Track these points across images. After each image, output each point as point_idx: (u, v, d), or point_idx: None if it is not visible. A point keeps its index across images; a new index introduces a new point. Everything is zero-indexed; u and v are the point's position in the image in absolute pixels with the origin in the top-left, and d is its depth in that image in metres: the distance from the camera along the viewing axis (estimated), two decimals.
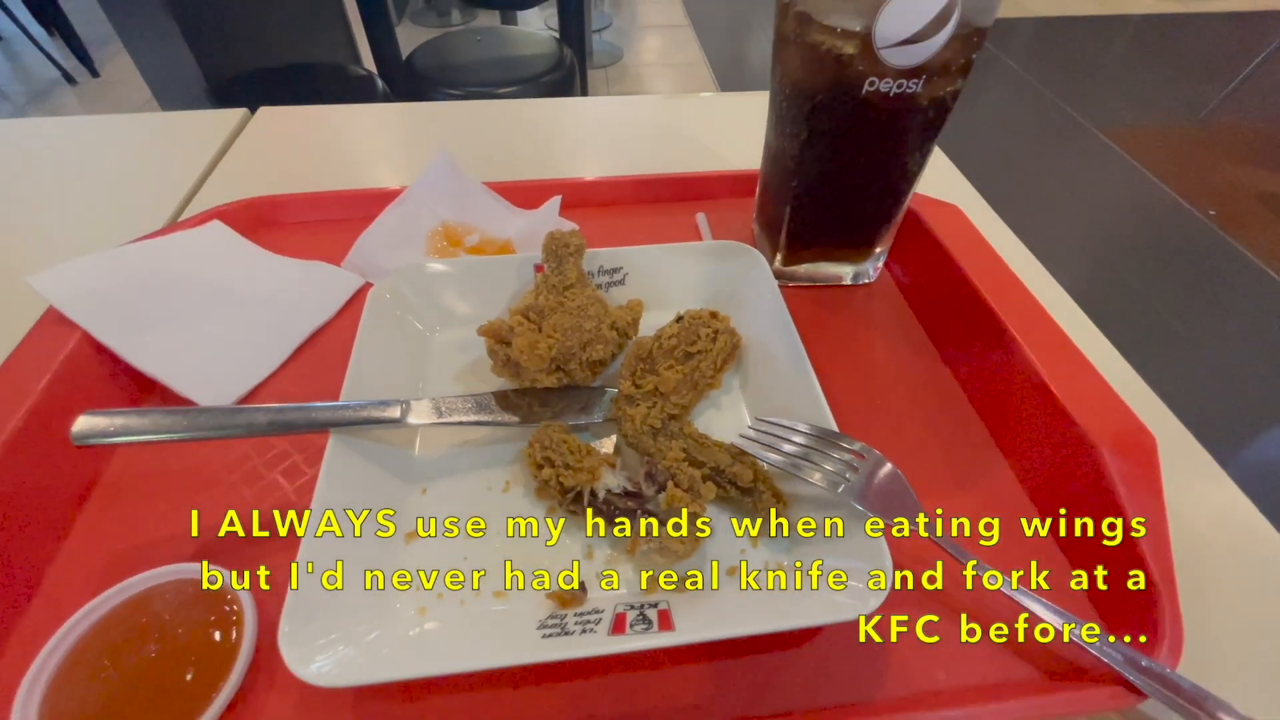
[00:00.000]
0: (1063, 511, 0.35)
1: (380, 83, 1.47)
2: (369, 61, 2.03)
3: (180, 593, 0.31)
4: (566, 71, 1.57)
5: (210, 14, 1.72)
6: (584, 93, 1.83)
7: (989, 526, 0.36)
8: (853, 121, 0.39)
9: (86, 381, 0.38)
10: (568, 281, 0.39)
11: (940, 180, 0.62)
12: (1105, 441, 0.34)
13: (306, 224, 0.54)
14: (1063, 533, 0.35)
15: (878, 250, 0.48)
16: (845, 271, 0.50)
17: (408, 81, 1.53)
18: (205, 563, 0.32)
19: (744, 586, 0.32)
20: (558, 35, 1.78)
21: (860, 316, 0.48)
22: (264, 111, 0.70)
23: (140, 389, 0.41)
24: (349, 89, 1.45)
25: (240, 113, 0.70)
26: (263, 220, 0.53)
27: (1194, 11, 3.82)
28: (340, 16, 2.19)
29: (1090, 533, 0.33)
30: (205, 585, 0.31)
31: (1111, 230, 2.33)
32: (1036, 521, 0.36)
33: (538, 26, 3.09)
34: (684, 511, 0.31)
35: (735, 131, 0.70)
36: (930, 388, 0.43)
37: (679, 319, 0.41)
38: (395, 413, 0.35)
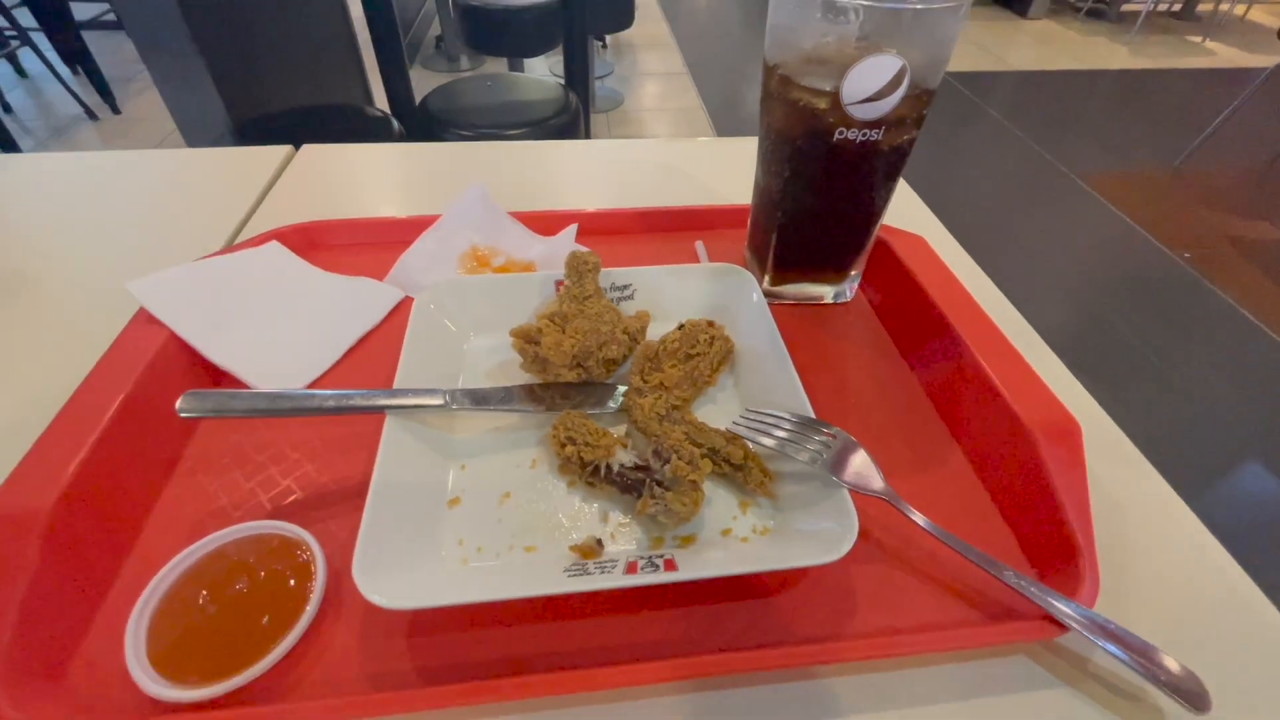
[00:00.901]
0: (1003, 484, 0.42)
1: (395, 123, 1.57)
2: (382, 103, 2.14)
3: (261, 544, 0.37)
4: (572, 116, 1.68)
5: (237, 56, 1.84)
6: (588, 136, 1.94)
7: (944, 496, 0.42)
8: (826, 163, 0.46)
9: (172, 371, 0.45)
10: (587, 293, 0.46)
11: (909, 214, 0.71)
12: (1038, 426, 0.40)
13: (351, 246, 0.61)
14: (1003, 501, 0.41)
15: (852, 273, 0.56)
16: (826, 291, 0.57)
17: (422, 122, 1.63)
18: (281, 521, 0.38)
19: (740, 541, 0.38)
20: (563, 81, 1.89)
21: (838, 329, 0.55)
22: (306, 148, 0.78)
23: (213, 380, 0.47)
24: (366, 129, 1.54)
25: (285, 149, 0.78)
26: (313, 242, 0.60)
27: (1167, 67, 4.04)
28: (356, 61, 2.33)
29: (1026, 502, 0.40)
30: (281, 538, 0.37)
31: (1092, 272, 2.44)
32: (982, 492, 0.42)
33: (543, 73, 3.25)
34: (686, 480, 0.37)
35: (728, 171, 0.78)
36: (896, 386, 0.50)
37: (681, 327, 0.48)
38: (440, 400, 0.42)
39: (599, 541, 0.37)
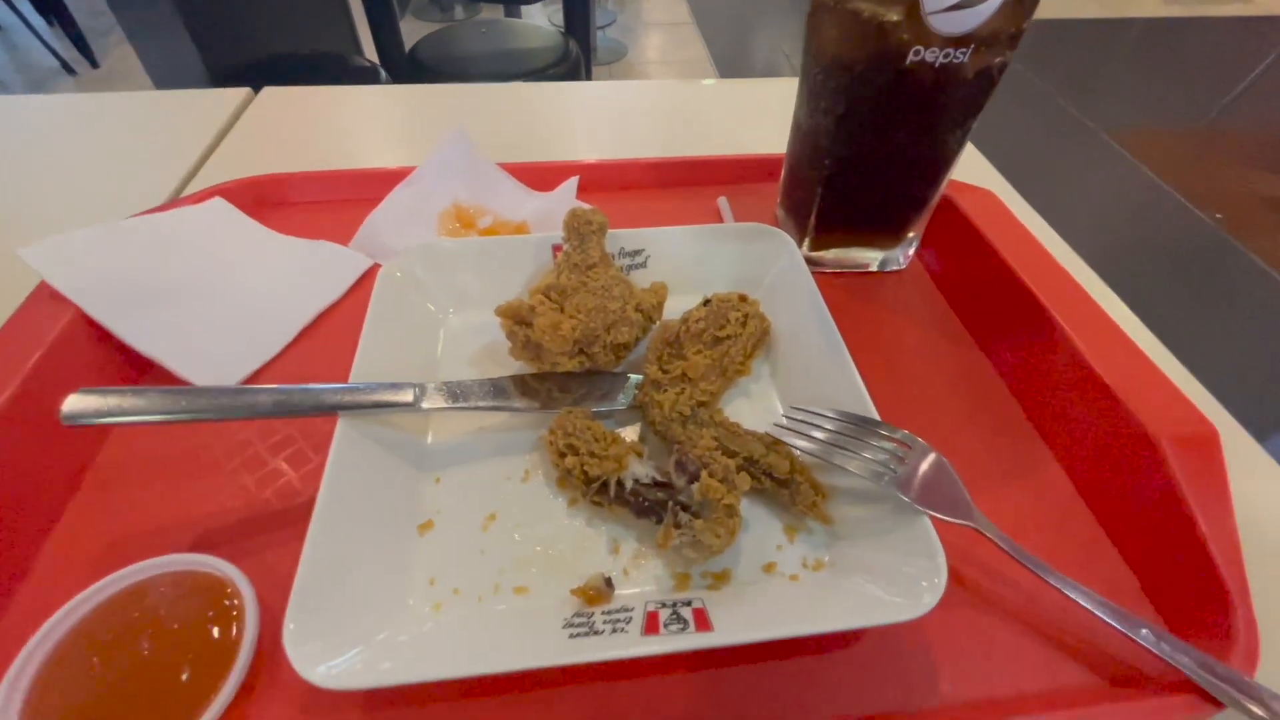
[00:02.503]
0: (1118, 507, 0.33)
1: (383, 73, 1.45)
2: (371, 54, 2.01)
3: (177, 585, 0.29)
4: (572, 65, 1.55)
5: (214, 4, 1.70)
6: None
7: (1038, 522, 0.34)
8: (893, 96, 0.37)
9: (79, 362, 0.36)
10: (590, 260, 0.37)
11: (966, 166, 0.60)
12: (1165, 435, 0.31)
13: (312, 204, 0.52)
14: (1117, 529, 0.33)
15: (910, 235, 0.46)
16: (874, 257, 0.48)
17: (411, 73, 1.51)
18: (204, 555, 0.29)
19: (788, 579, 0.30)
20: (563, 30, 1.75)
21: (891, 304, 0.46)
22: (267, 91, 0.68)
23: (137, 370, 0.39)
24: (352, 79, 1.43)
25: (243, 92, 0.68)
26: (266, 199, 0.51)
27: (1198, 15, 3.81)
28: (343, 8, 2.18)
29: (1151, 531, 0.31)
30: (203, 576, 0.29)
31: (1118, 233, 2.32)
32: (1088, 516, 0.34)
33: (541, 22, 3.07)
34: (719, 504, 0.29)
35: (751, 118, 0.68)
36: (968, 377, 0.41)
37: (706, 302, 0.39)
38: (408, 396, 0.33)
39: (608, 581, 0.29)
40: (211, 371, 0.38)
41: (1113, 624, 0.27)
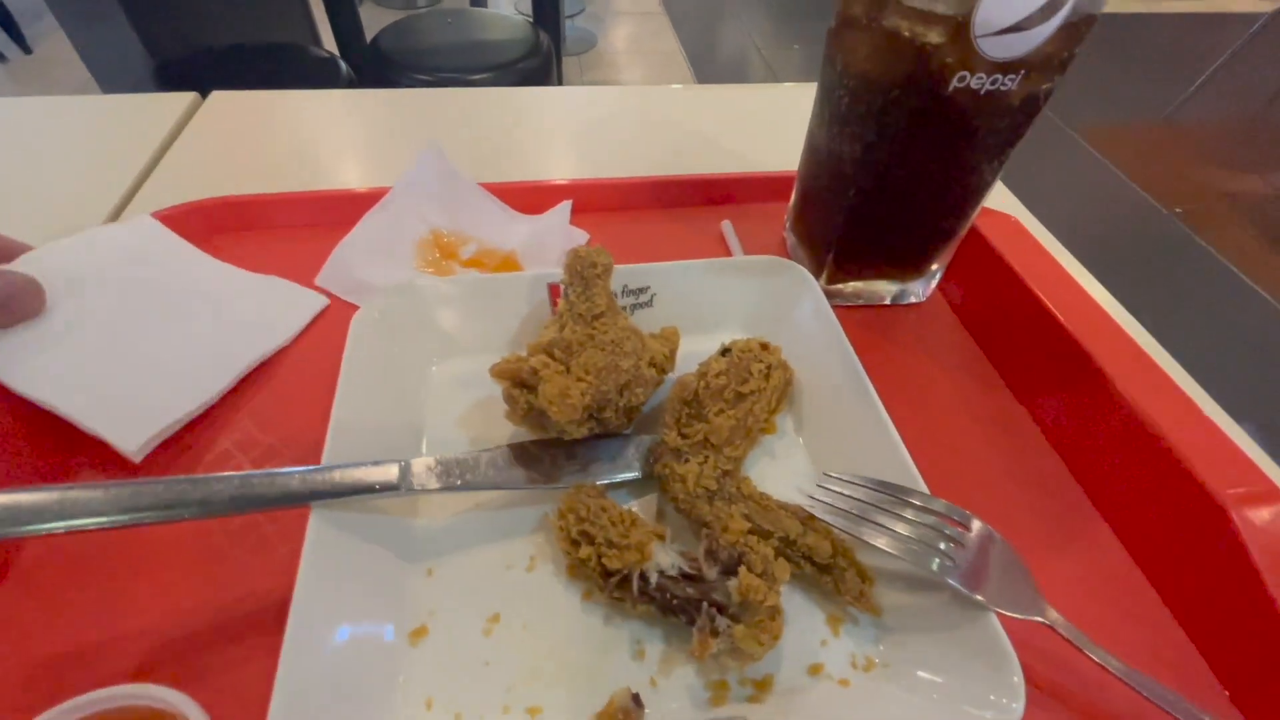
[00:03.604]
0: (1180, 580, 0.30)
1: (344, 65, 1.37)
2: (329, 43, 1.90)
3: None
4: (543, 59, 1.49)
5: None
6: (559, 80, 1.74)
7: (1093, 596, 0.31)
8: (931, 123, 0.33)
9: None
10: (597, 309, 0.33)
11: None
12: (1233, 503, 0.29)
13: (270, 230, 0.46)
14: (1180, 604, 0.30)
15: (934, 267, 0.43)
16: (891, 290, 0.44)
17: (373, 65, 1.43)
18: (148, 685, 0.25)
19: (837, 684, 0.26)
20: (531, 20, 1.69)
21: (913, 342, 0.43)
22: (216, 96, 0.62)
23: (32, 429, 0.32)
24: (310, 72, 1.34)
25: (189, 97, 0.61)
26: (219, 224, 0.45)
27: (1153, 11, 3.90)
28: None
29: (1218, 605, 0.29)
30: (148, 713, 0.24)
31: (1082, 225, 2.36)
32: (1147, 588, 0.31)
33: (507, 10, 2.98)
34: (762, 605, 0.25)
35: (748, 127, 0.64)
36: (1004, 428, 0.38)
37: (725, 351, 0.35)
38: (393, 475, 0.29)
39: (635, 699, 0.25)
40: (127, 421, 0.32)
41: None
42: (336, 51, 1.70)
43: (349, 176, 0.55)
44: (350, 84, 1.33)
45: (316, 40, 2.15)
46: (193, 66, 1.32)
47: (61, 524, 0.24)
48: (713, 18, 3.50)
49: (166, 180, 0.52)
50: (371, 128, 0.61)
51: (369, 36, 1.54)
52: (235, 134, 0.58)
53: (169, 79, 1.27)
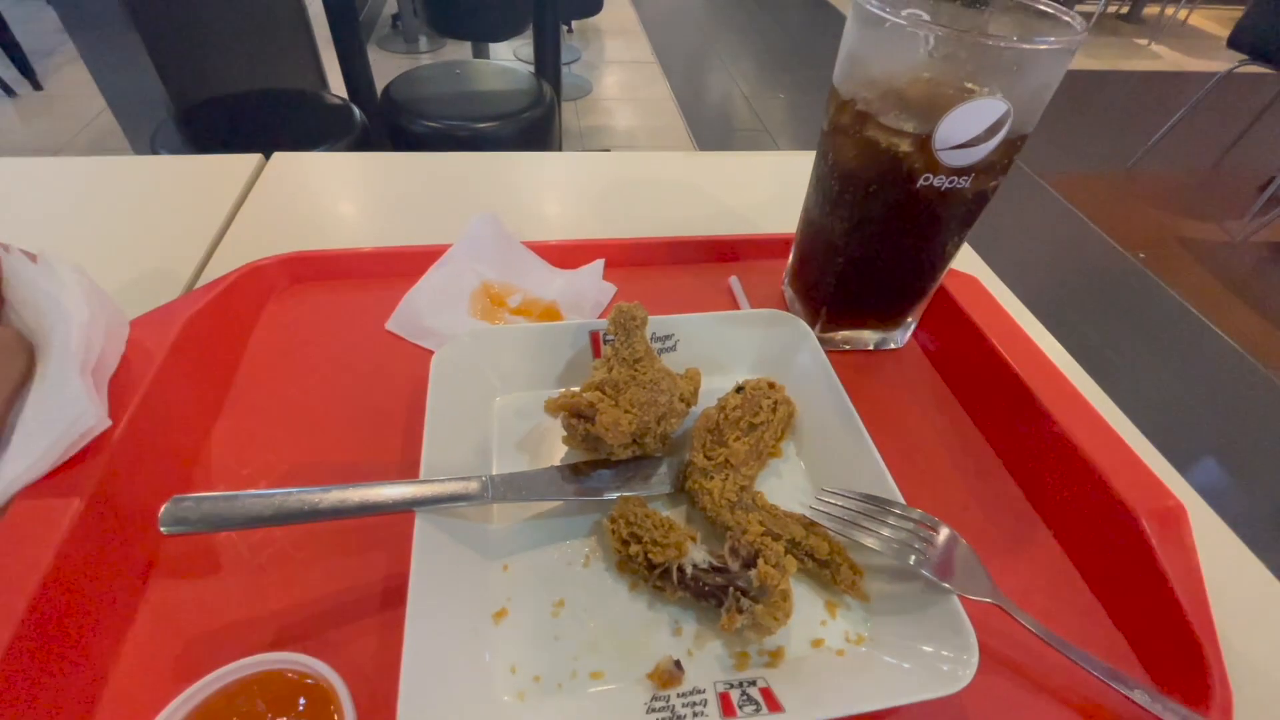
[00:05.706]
0: (1108, 577, 0.38)
1: (358, 112, 1.45)
2: (336, 86, 2.00)
3: (267, 688, 0.30)
4: (547, 108, 1.59)
5: (175, 30, 1.67)
6: (560, 126, 1.85)
7: (1039, 591, 0.38)
8: (903, 210, 0.42)
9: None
10: (637, 354, 0.41)
11: None
12: (1144, 511, 0.37)
13: (344, 279, 0.54)
14: (1108, 598, 0.38)
15: (909, 320, 0.51)
16: (874, 338, 0.53)
17: (386, 113, 1.52)
18: (293, 653, 0.31)
19: (835, 654, 0.33)
20: (533, 69, 1.80)
21: (893, 381, 0.51)
22: (279, 158, 0.69)
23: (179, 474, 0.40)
24: (327, 119, 1.42)
25: (254, 159, 0.69)
26: (296, 277, 0.53)
27: (1115, 69, 4.16)
28: (308, 40, 2.16)
29: (1135, 597, 0.36)
30: (295, 675, 0.31)
31: (1050, 269, 2.50)
32: (1082, 586, 0.39)
33: (507, 58, 3.12)
34: (776, 589, 0.32)
35: (749, 190, 0.73)
36: (969, 453, 0.46)
37: (739, 389, 0.43)
38: (475, 488, 0.36)
39: (677, 664, 0.32)
40: None
41: (1115, 687, 0.31)
42: (346, 95, 1.79)
43: (396, 232, 0.63)
44: (364, 130, 1.42)
45: (325, 83, 2.25)
46: (214, 108, 1.39)
47: (246, 521, 0.31)
48: (703, 67, 3.67)
49: (245, 234, 0.59)
50: (411, 186, 0.69)
51: (375, 80, 1.62)
52: (297, 191, 0.66)
53: (189, 118, 1.34)
